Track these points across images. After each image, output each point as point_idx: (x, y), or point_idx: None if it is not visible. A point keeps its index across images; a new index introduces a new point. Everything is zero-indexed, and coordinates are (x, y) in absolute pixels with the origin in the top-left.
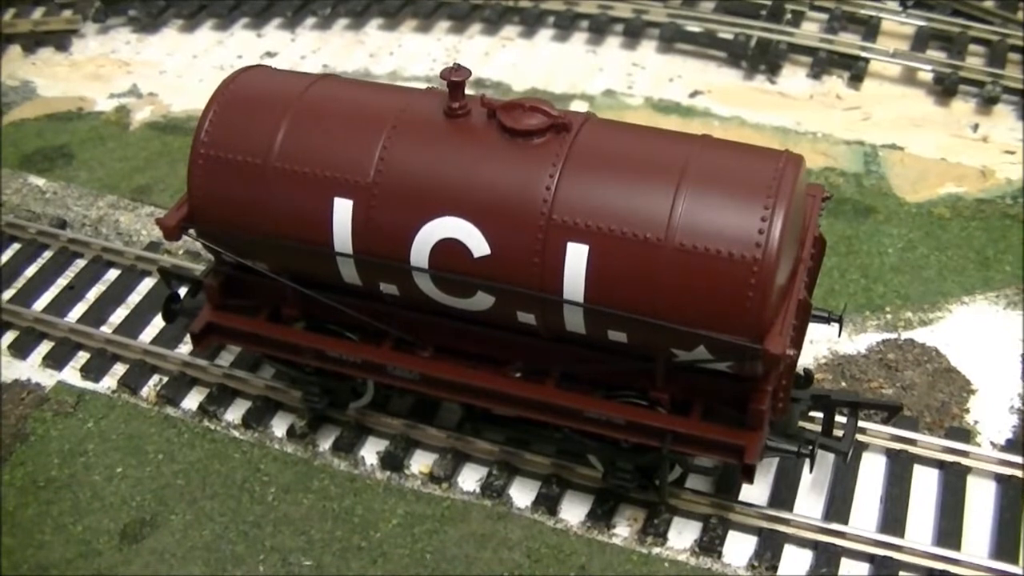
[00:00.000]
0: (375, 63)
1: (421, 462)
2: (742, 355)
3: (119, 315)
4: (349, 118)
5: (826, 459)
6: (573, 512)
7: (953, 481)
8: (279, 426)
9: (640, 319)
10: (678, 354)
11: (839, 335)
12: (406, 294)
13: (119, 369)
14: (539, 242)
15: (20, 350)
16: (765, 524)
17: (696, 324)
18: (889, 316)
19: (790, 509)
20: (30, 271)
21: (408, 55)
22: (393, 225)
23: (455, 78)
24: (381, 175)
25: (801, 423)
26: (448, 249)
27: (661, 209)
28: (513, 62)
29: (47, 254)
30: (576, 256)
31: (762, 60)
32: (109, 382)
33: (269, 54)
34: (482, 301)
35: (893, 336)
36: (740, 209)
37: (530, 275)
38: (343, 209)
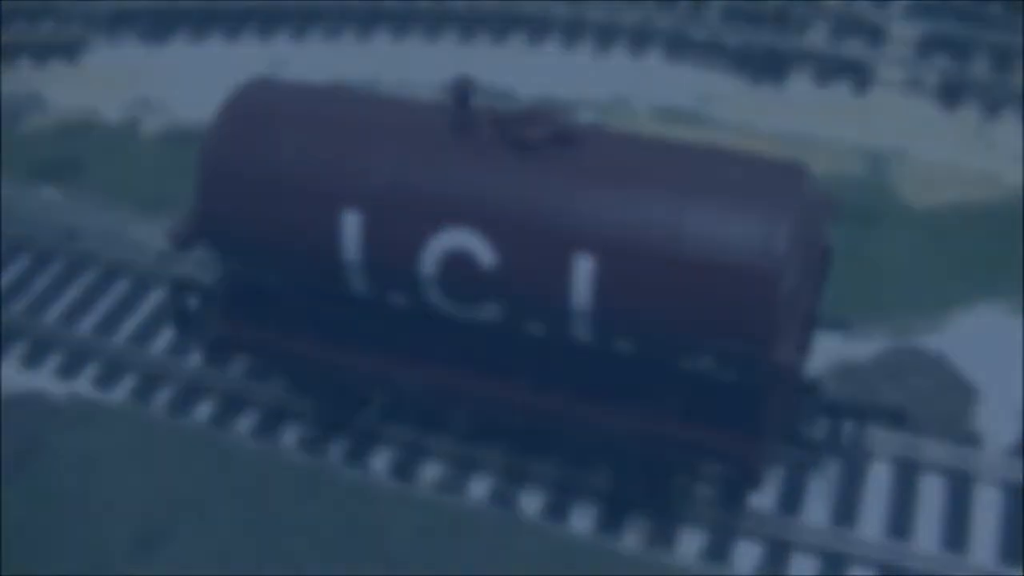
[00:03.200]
0: (383, 72)
1: (431, 470)
2: (749, 364)
3: (130, 326)
4: (356, 131)
5: (832, 466)
6: (582, 520)
7: (959, 487)
8: (290, 435)
9: (647, 329)
10: (686, 363)
11: (845, 342)
12: (414, 305)
13: (130, 380)
14: (546, 253)
15: (32, 361)
16: (772, 531)
17: (703, 334)
18: (896, 322)
19: (797, 516)
20: (41, 282)
21: (416, 64)
22: (401, 237)
23: (461, 90)
24: (389, 188)
25: (808, 430)
26: (456, 261)
27: (668, 220)
28: (520, 70)
29: (57, 265)
30: (583, 267)
31: (769, 67)
32: (121, 393)
33: (278, 64)
34: (490, 312)
35: (900, 342)
36: (747, 219)
37: (538, 286)
38: (351, 222)
